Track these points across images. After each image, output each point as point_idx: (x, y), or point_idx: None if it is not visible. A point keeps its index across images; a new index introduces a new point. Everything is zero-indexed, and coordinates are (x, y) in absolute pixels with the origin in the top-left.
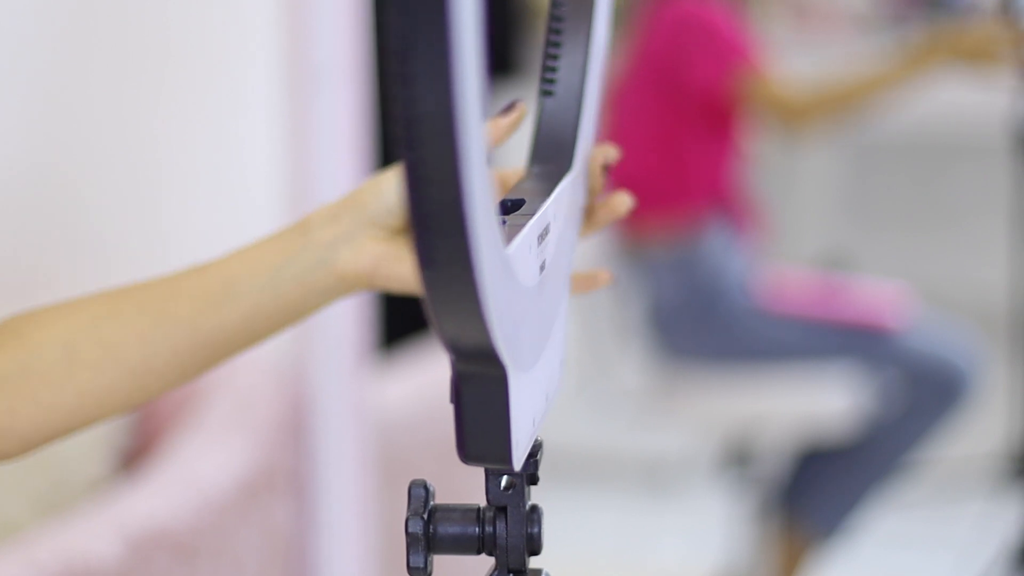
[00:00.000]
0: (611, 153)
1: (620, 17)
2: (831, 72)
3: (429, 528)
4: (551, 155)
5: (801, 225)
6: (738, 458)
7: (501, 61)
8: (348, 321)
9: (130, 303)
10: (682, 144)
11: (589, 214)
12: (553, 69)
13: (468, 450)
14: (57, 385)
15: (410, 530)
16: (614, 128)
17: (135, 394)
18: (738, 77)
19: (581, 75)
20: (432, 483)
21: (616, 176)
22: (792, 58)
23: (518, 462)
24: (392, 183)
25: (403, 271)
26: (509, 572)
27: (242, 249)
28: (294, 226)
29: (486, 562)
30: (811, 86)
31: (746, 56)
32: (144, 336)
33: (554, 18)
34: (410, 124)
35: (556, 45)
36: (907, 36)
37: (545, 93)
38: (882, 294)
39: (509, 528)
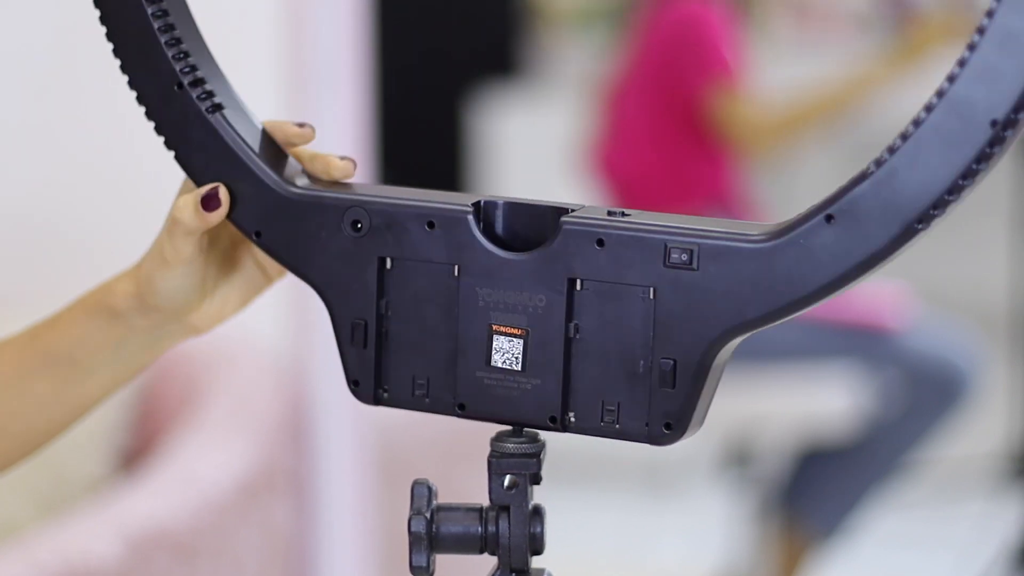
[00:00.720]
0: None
1: (620, 17)
2: (794, 93)
3: (432, 527)
4: (280, 157)
5: None
6: (738, 458)
7: (501, 61)
8: None
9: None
10: (681, 144)
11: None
12: (201, 82)
13: (684, 431)
14: None
15: (413, 529)
16: (614, 127)
17: (22, 455)
18: (717, 90)
19: (222, 77)
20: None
21: (616, 176)
22: (792, 58)
23: None
24: (160, 279)
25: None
26: (512, 572)
27: (65, 327)
28: (100, 307)
29: (488, 562)
30: (778, 108)
31: (729, 70)
32: (15, 413)
33: (172, 42)
34: None
35: (184, 57)
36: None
37: (214, 108)
38: (882, 294)
39: (512, 528)
